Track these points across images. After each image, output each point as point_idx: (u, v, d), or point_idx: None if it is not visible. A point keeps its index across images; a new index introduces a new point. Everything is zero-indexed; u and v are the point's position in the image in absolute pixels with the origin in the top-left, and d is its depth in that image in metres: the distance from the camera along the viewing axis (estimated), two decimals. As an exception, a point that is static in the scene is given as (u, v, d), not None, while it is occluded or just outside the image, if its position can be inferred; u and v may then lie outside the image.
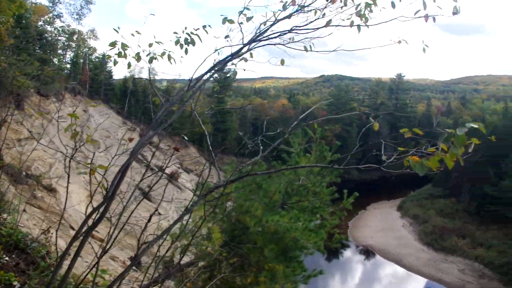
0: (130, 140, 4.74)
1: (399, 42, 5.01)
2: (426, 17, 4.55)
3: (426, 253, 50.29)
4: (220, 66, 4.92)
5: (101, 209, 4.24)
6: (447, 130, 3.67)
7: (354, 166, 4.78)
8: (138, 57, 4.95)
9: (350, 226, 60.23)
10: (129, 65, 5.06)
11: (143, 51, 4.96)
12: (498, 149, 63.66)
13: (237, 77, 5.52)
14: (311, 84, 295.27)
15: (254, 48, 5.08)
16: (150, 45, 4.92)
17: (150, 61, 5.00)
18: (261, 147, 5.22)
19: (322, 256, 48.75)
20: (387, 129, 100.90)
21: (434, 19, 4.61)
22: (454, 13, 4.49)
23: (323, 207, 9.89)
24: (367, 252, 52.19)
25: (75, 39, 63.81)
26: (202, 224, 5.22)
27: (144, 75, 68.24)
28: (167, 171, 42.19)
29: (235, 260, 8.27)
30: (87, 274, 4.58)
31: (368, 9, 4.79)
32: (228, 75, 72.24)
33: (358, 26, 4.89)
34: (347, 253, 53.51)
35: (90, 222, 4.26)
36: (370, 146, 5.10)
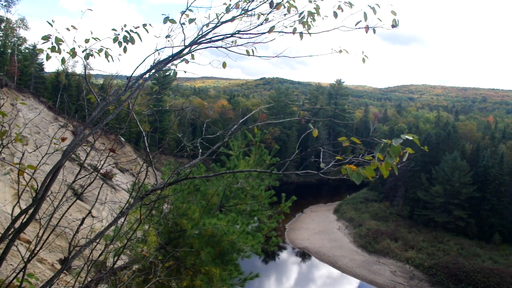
0: (63, 140, 4.59)
1: (340, 51, 5.18)
2: (367, 28, 4.70)
3: (360, 255, 52.04)
4: (160, 66, 4.87)
5: (30, 211, 4.08)
6: (383, 140, 3.82)
7: (293, 172, 4.89)
8: (73, 53, 4.79)
9: (287, 229, 61.22)
10: (63, 60, 4.89)
11: (79, 47, 4.81)
12: (430, 156, 67.23)
13: (177, 75, 5.48)
14: (252, 86, 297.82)
15: (196, 50, 5.08)
16: (87, 41, 4.78)
17: (86, 58, 4.85)
18: (200, 150, 5.22)
19: (259, 258, 49.31)
20: (325, 134, 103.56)
21: (374, 31, 4.77)
22: (393, 26, 4.70)
23: (261, 210, 10.02)
24: (303, 254, 53.26)
25: (2, 27, 60.39)
26: (138, 227, 5.15)
27: (79, 69, 65.79)
28: (101, 171, 40.87)
29: (171, 263, 8.19)
30: (13, 279, 4.40)
31: (311, 17, 4.91)
32: (167, 73, 71.35)
33: (301, 33, 4.99)
34: (284, 255, 54.34)
35: (17, 223, 4.10)
36: (308, 152, 5.23)
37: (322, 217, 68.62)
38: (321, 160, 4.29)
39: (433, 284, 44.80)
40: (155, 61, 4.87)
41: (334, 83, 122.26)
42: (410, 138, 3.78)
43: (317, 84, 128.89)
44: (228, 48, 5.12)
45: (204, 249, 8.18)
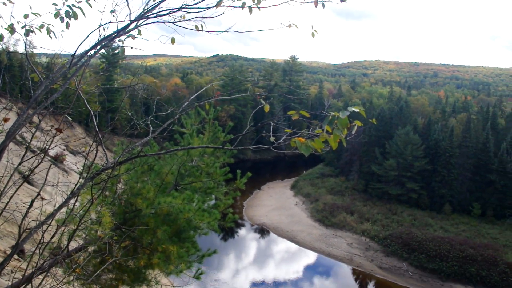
0: (6, 120, 4.47)
1: (289, 26, 5.21)
2: (316, 2, 4.73)
3: (318, 229, 53.33)
4: (105, 42, 4.76)
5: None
6: (331, 113, 3.93)
7: (246, 147, 4.94)
8: (11, 29, 4.61)
9: (245, 206, 61.82)
10: (0, 37, 4.71)
11: (18, 23, 4.63)
12: (383, 131, 69.16)
13: (127, 53, 5.40)
14: (205, 63, 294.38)
15: (143, 25, 4.99)
16: (26, 16, 4.60)
17: (26, 34, 4.67)
18: (151, 128, 5.19)
19: (218, 235, 49.74)
20: (281, 110, 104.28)
21: (323, 5, 4.80)
22: (342, 0, 4.77)
23: (216, 187, 10.09)
24: (262, 231, 54.07)
25: None
26: (90, 207, 5.11)
27: (21, 48, 62.93)
28: (51, 153, 39.77)
29: (127, 243, 8.19)
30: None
31: (260, -10, 4.88)
32: (117, 52, 69.39)
33: (250, 7, 4.94)
34: (242, 232, 54.99)
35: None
36: (260, 126, 5.29)
37: (279, 193, 69.61)
38: (270, 134, 4.35)
39: (387, 254, 46.63)
40: (100, 37, 4.76)
41: (289, 59, 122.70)
42: (357, 110, 3.91)
43: (271, 61, 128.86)
44: (176, 23, 5.05)
45: (160, 227, 8.21)
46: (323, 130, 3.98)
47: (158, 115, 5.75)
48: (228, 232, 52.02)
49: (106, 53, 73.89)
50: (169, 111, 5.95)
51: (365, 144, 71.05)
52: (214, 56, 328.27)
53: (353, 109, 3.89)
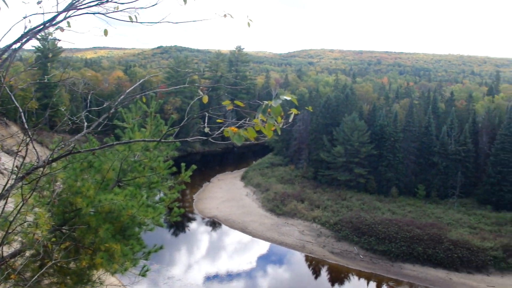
0: None
1: (224, 16, 5.20)
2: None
3: (269, 218, 53.93)
4: (31, 35, 4.57)
5: None
6: (265, 102, 3.95)
7: (182, 139, 4.90)
8: None
9: (195, 199, 61.56)
10: None
11: None
12: (331, 118, 70.60)
13: (65, 47, 5.19)
14: (149, 55, 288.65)
15: (72, 16, 4.83)
16: None
17: None
18: (85, 124, 5.05)
19: (169, 231, 49.34)
20: (254, 104, 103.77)
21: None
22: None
23: (161, 182, 9.97)
24: (213, 223, 54.05)
25: None
26: (20, 208, 4.91)
27: None
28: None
29: (67, 245, 7.95)
30: None
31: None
32: (58, 47, 66.87)
33: (184, -3, 4.93)
34: (193, 226, 54.79)
35: None
36: (196, 118, 5.26)
37: (230, 184, 69.75)
38: (205, 125, 4.34)
39: (339, 239, 47.85)
40: (26, 30, 4.55)
41: (235, 50, 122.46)
42: (289, 98, 3.95)
43: (217, 52, 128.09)
44: (108, 15, 4.91)
45: (102, 226, 8.02)
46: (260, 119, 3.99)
47: (95, 109, 5.59)
48: (178, 227, 51.67)
49: (42, 47, 70.94)
50: (105, 105, 5.80)
51: (313, 132, 72.31)
52: (158, 47, 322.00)
53: (285, 97, 3.93)
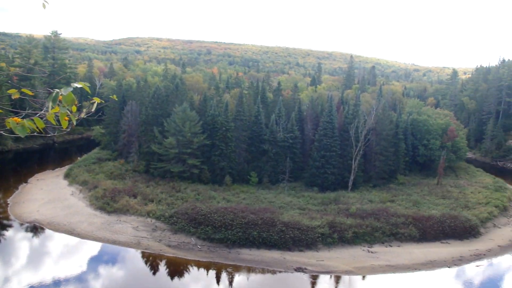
0: None
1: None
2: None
3: (99, 217, 51.64)
4: None
5: None
6: (56, 90, 3.78)
7: None
8: None
9: (10, 204, 56.07)
10: None
11: None
12: (161, 109, 70.25)
13: None
14: None
15: None
16: None
17: None
18: None
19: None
20: (45, 92, 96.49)
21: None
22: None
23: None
24: (35, 228, 49.72)
25: None
26: None
27: None
28: None
29: None
30: None
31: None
32: None
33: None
34: (10, 233, 49.82)
35: None
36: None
37: (52, 184, 64.97)
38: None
39: (175, 231, 48.01)
40: None
41: (50, 35, 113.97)
42: (80, 86, 3.88)
43: (28, 36, 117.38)
44: None
45: None
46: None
47: None
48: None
49: None
50: None
51: (143, 123, 71.16)
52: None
53: (76, 85, 3.87)
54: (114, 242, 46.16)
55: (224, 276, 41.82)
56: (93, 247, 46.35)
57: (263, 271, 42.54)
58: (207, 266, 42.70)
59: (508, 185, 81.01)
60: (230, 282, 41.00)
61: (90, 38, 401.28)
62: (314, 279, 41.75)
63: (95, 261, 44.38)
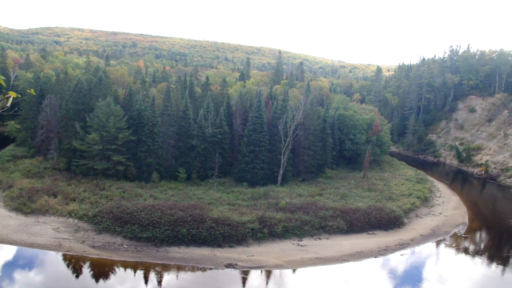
0: None
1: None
2: None
3: (15, 219, 48.70)
4: None
5: None
6: None
7: None
8: None
9: None
10: None
11: None
12: (83, 103, 67.44)
13: None
14: None
15: None
16: None
17: None
18: None
19: None
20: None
21: None
22: None
23: None
24: None
25: None
26: None
27: None
28: None
29: None
30: None
31: None
32: None
33: None
34: None
35: None
36: None
37: (-40, 185, 60.45)
38: None
39: (99, 231, 46.24)
40: None
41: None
42: None
43: None
44: None
45: None
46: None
47: None
48: None
49: None
50: None
51: (63, 118, 68.08)
52: None
53: None
54: (32, 245, 43.64)
55: (152, 276, 40.77)
56: (8, 251, 43.61)
57: (193, 269, 41.95)
58: (135, 266, 41.44)
59: (429, 177, 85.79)
60: (159, 282, 40.02)
61: (3, 26, 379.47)
62: (245, 274, 41.77)
63: (10, 267, 41.79)
